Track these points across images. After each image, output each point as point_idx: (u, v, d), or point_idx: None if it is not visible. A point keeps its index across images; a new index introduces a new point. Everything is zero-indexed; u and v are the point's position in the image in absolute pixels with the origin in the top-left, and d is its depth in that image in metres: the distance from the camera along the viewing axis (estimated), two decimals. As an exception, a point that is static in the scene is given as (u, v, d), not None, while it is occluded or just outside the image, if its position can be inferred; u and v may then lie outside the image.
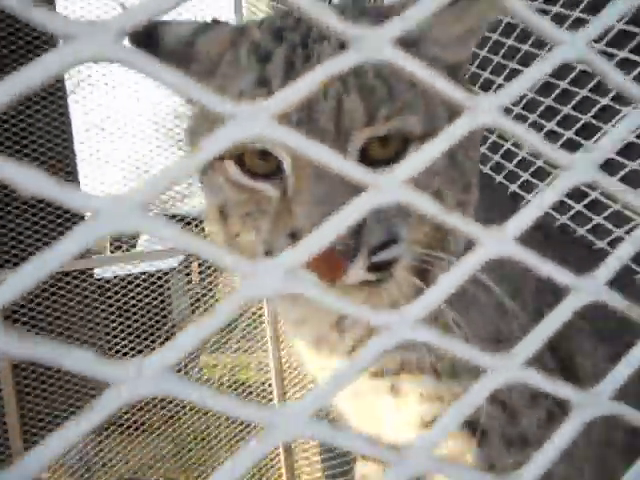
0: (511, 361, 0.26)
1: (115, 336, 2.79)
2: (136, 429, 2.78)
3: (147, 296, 2.86)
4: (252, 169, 0.63)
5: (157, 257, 2.86)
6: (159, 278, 2.91)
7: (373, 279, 0.61)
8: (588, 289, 0.27)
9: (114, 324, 2.81)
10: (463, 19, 0.65)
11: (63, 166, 2.91)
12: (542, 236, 0.80)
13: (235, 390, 2.80)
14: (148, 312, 2.82)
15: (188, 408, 2.87)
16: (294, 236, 0.58)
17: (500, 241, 0.26)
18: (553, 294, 0.70)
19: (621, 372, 0.29)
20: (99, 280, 2.99)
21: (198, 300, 2.93)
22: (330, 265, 0.55)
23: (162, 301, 2.94)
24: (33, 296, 2.62)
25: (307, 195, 0.59)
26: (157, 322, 2.83)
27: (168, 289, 3.08)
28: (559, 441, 0.27)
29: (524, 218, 0.27)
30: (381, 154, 0.63)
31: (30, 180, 0.18)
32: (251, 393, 2.76)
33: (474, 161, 0.72)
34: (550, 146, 0.27)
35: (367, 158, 0.62)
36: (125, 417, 2.80)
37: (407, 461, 0.23)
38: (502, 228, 0.26)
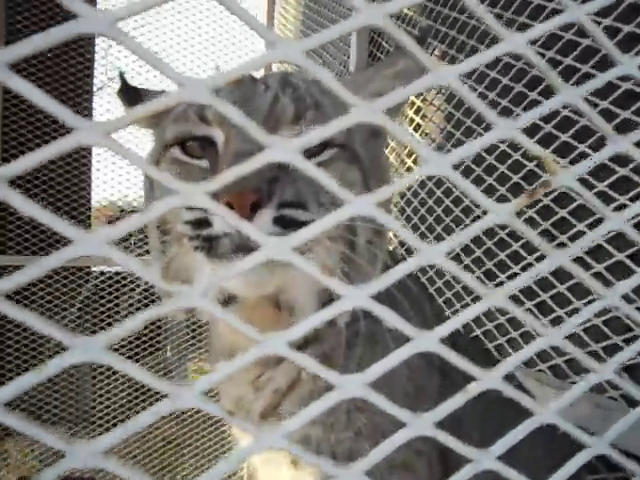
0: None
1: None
2: (107, 429, 2.81)
3: (140, 293, 2.94)
4: (191, 152, 0.76)
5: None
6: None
7: (278, 232, 0.64)
8: (417, 425, 0.38)
9: (109, 320, 2.87)
10: None
11: (78, 162, 2.99)
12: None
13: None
14: (139, 310, 2.85)
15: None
16: None
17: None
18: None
19: None
20: (96, 278, 3.04)
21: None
22: (244, 200, 0.61)
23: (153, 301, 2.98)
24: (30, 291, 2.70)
25: (232, 149, 0.70)
26: (152, 323, 2.87)
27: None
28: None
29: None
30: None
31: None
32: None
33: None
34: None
35: None
36: (97, 416, 2.88)
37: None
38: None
